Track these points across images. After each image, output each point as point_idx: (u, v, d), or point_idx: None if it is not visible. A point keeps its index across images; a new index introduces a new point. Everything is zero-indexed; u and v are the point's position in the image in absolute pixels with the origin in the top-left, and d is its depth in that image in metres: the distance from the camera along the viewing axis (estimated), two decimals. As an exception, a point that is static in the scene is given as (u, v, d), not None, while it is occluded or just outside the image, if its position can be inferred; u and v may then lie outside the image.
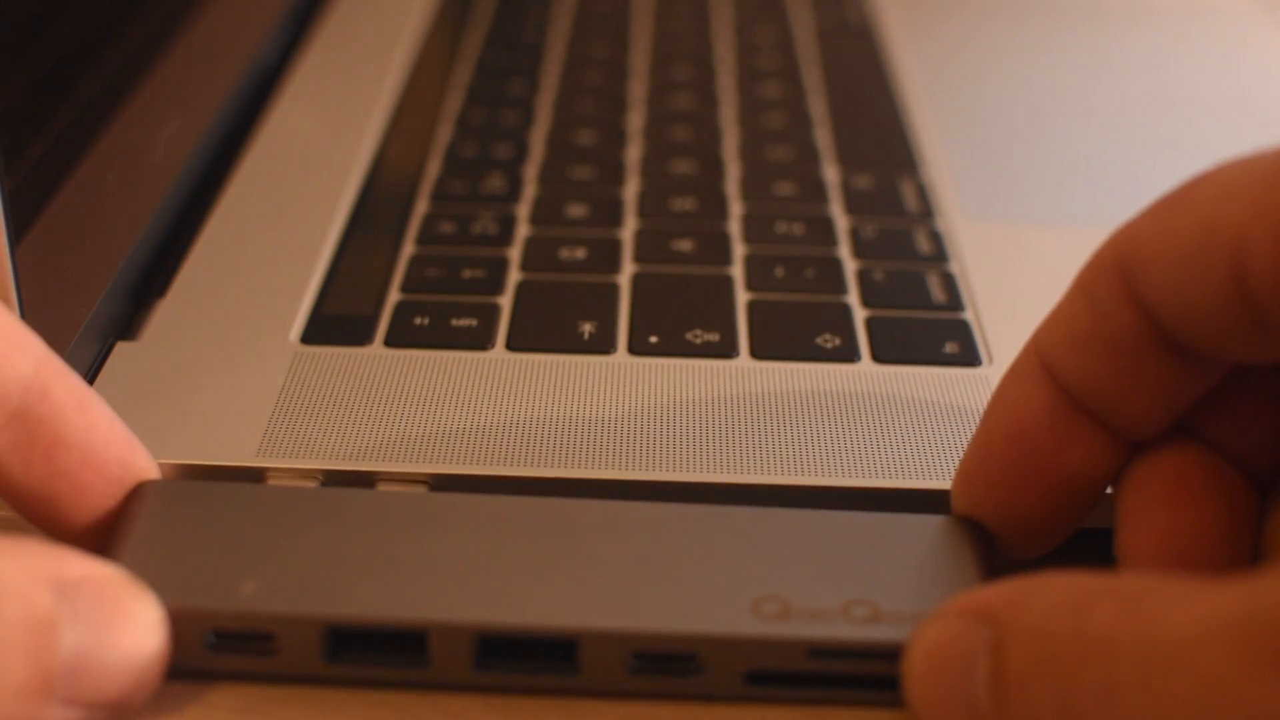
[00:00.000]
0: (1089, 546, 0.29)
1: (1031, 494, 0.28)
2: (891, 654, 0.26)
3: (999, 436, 0.28)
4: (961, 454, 0.31)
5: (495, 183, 0.43)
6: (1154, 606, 0.22)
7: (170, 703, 0.26)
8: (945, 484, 0.30)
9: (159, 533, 0.28)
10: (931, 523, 0.29)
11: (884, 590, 0.27)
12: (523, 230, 0.41)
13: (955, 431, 0.32)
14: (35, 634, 0.24)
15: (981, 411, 0.33)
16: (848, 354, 0.35)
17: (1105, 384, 0.27)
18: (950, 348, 0.35)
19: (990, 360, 0.35)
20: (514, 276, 0.38)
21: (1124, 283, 0.26)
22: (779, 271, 0.39)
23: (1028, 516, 0.28)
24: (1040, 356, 0.28)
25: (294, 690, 0.27)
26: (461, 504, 0.29)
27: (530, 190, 0.43)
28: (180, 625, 0.27)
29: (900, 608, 0.27)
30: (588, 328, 0.36)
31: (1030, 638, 0.24)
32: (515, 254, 0.39)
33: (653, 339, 0.36)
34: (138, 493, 0.29)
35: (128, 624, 0.26)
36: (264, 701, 0.26)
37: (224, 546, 0.28)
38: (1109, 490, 0.28)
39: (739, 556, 0.28)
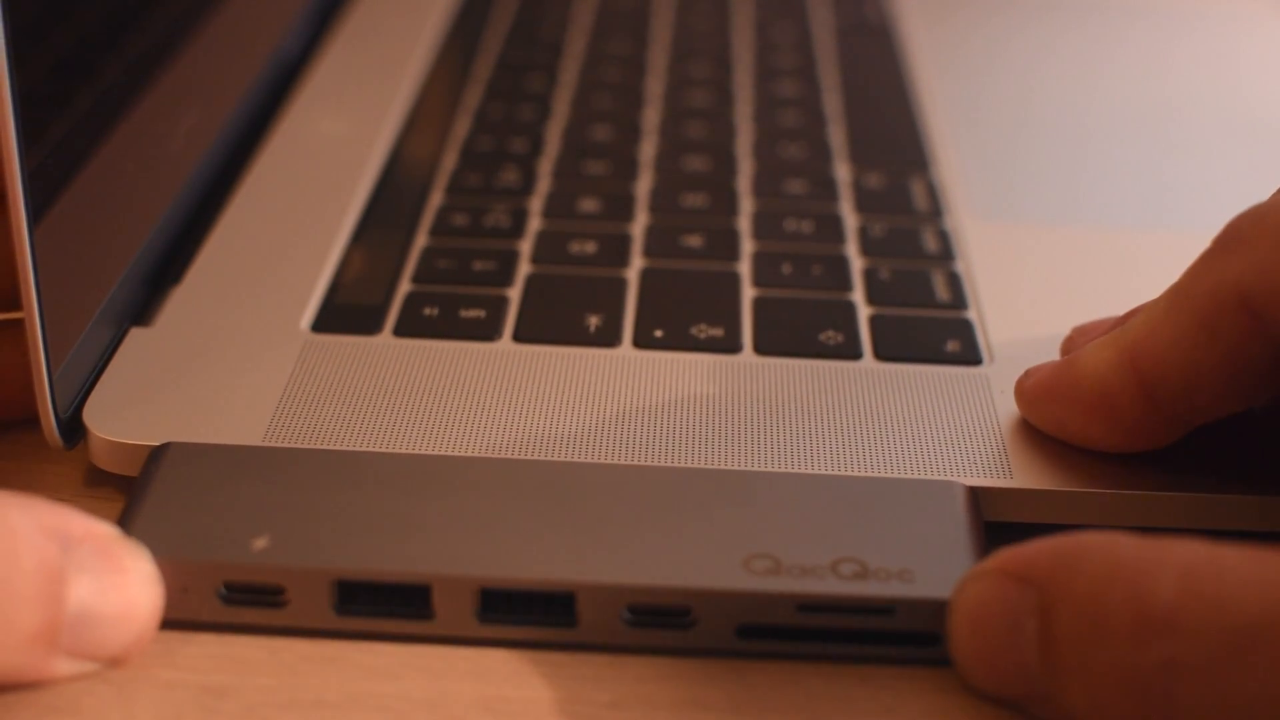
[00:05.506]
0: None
1: (1096, 431, 0.31)
2: (878, 609, 0.27)
3: (1082, 401, 0.30)
4: (959, 450, 0.32)
5: (509, 176, 0.44)
6: (1219, 586, 0.23)
7: (172, 706, 0.27)
8: (941, 477, 0.31)
9: (176, 490, 0.29)
10: (919, 485, 0.30)
11: (872, 548, 0.28)
12: (534, 224, 0.41)
13: (952, 428, 0.33)
14: (47, 583, 0.25)
15: (981, 409, 0.33)
16: (850, 351, 0.35)
17: (1215, 401, 0.29)
18: (952, 346, 0.36)
19: (991, 359, 0.35)
20: (524, 269, 0.39)
21: (1254, 319, 0.27)
22: (786, 268, 0.39)
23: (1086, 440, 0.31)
24: (1138, 372, 0.29)
25: (294, 694, 0.27)
26: (466, 465, 0.30)
27: (544, 184, 0.44)
28: (193, 578, 0.28)
29: (887, 565, 0.28)
30: (594, 321, 0.36)
31: (1084, 606, 0.24)
32: (526, 247, 0.40)
33: (658, 333, 0.36)
34: (158, 453, 0.30)
35: (126, 578, 0.27)
36: (265, 706, 0.27)
37: (238, 504, 0.29)
38: None
39: (731, 516, 0.29)
